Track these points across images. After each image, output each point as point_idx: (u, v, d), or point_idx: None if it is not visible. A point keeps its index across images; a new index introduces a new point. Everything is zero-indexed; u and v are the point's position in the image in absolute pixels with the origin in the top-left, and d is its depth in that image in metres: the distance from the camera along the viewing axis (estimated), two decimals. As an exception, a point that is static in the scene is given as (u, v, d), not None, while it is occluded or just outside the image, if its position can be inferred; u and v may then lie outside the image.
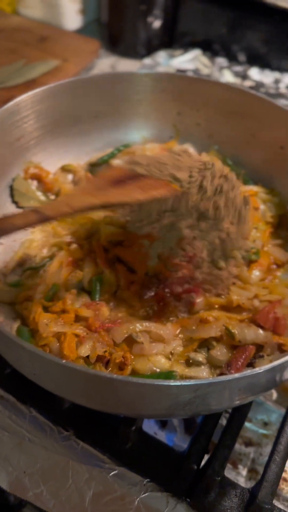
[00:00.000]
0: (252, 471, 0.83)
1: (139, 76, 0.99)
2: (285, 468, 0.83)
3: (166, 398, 0.55)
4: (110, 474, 0.74)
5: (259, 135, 1.01)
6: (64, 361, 0.53)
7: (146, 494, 0.72)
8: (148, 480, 0.73)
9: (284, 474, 0.82)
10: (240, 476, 0.82)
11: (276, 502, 0.78)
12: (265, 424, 0.88)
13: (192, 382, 0.52)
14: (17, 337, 0.56)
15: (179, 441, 0.83)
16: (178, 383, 0.52)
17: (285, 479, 0.82)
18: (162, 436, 0.84)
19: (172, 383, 0.52)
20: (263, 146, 1.02)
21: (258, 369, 0.54)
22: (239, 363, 0.74)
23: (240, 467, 0.83)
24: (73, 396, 0.60)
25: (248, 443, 0.86)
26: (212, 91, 1.01)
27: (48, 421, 0.78)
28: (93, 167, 1.07)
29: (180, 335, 0.82)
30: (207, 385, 0.52)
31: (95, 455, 0.75)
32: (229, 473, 0.81)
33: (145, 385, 0.52)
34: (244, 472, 0.83)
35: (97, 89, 0.99)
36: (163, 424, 0.86)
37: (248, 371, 0.54)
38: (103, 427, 0.76)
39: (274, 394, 0.92)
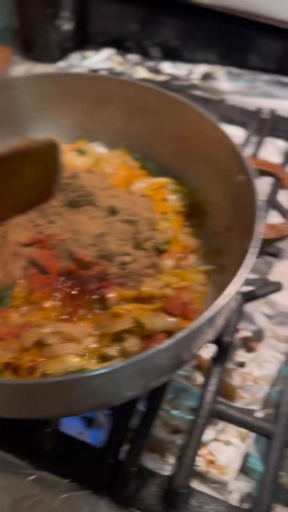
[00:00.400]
0: (180, 458, 0.84)
1: (31, 79, 0.99)
2: (212, 452, 0.85)
3: (56, 396, 0.55)
4: (29, 479, 0.73)
5: (163, 128, 1.03)
6: None
7: (66, 494, 0.72)
8: (69, 480, 0.73)
9: (210, 457, 0.84)
10: (167, 465, 0.82)
11: (203, 486, 0.80)
12: (192, 410, 0.89)
13: (72, 376, 0.52)
14: None
15: (105, 438, 0.83)
16: (57, 379, 0.52)
17: (212, 462, 0.83)
18: (87, 435, 0.84)
19: (45, 381, 0.52)
20: (168, 139, 1.03)
21: (140, 356, 0.55)
22: (149, 351, 0.75)
23: (168, 455, 0.84)
24: None
25: (176, 431, 0.87)
26: (112, 88, 1.01)
27: None
28: (2, 173, 1.05)
29: (95, 332, 0.82)
30: (90, 378, 0.53)
31: (12, 462, 0.74)
32: (156, 463, 0.81)
33: (22, 385, 0.52)
34: (172, 460, 0.83)
35: (-6, 96, 0.98)
36: (89, 423, 0.86)
37: (131, 359, 0.54)
38: (20, 432, 0.76)
39: (199, 378, 0.94)
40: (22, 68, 1.56)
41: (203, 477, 0.80)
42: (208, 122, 0.94)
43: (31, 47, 1.57)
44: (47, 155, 0.52)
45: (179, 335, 0.59)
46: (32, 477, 0.73)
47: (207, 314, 0.60)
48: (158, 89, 1.00)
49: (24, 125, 1.05)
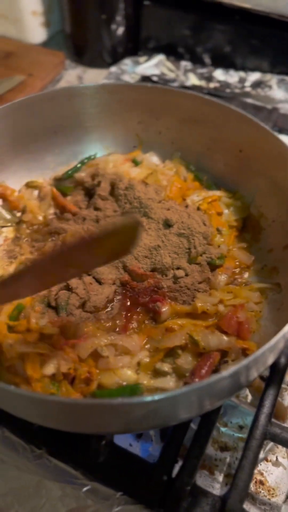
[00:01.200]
0: (228, 476, 0.83)
1: (93, 88, 1.00)
2: (261, 471, 0.84)
3: (118, 416, 0.56)
4: (83, 490, 0.74)
5: (218, 139, 1.02)
6: (12, 387, 0.54)
7: (119, 507, 0.73)
8: (121, 493, 0.74)
9: (260, 477, 0.83)
10: (216, 482, 0.82)
11: (252, 507, 0.79)
12: (241, 428, 0.89)
13: (138, 400, 0.53)
14: None
15: (155, 451, 0.84)
16: (124, 401, 0.53)
17: (262, 483, 0.83)
18: (137, 447, 0.84)
19: (119, 402, 0.52)
20: (223, 151, 1.02)
21: (207, 381, 0.55)
22: (203, 370, 0.75)
23: (217, 473, 0.83)
24: (29, 417, 0.60)
25: (224, 448, 0.87)
26: (168, 99, 1.01)
27: (20, 440, 0.79)
28: (58, 181, 1.07)
29: (147, 346, 0.82)
30: (154, 402, 0.53)
31: (67, 471, 0.76)
32: (205, 479, 0.81)
33: (91, 405, 0.53)
34: (220, 478, 0.83)
35: (54, 105, 0.99)
36: (138, 435, 0.87)
37: (196, 384, 0.54)
38: (75, 443, 0.77)
39: (249, 396, 0.93)
40: (73, 73, 1.57)
41: (252, 498, 0.80)
42: (266, 134, 0.92)
43: (83, 52, 1.59)
44: (131, 230, 0.59)
45: (244, 362, 0.59)
46: (86, 488, 0.74)
47: (273, 340, 0.59)
48: (214, 100, 0.99)
49: (81, 134, 1.06)
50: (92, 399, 0.68)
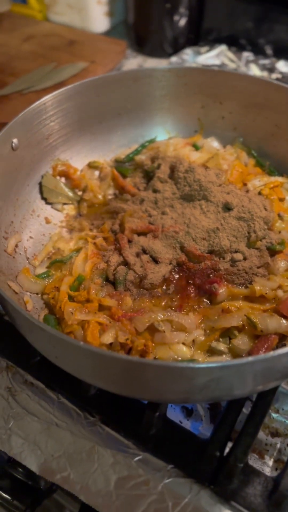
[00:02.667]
0: (278, 461, 0.82)
1: (161, 71, 1.01)
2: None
3: (182, 381, 0.56)
4: (135, 459, 0.75)
5: (283, 125, 1.01)
6: (81, 342, 0.55)
7: (170, 479, 0.73)
8: (172, 466, 0.74)
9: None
10: (266, 466, 0.81)
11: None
12: (293, 415, 0.87)
13: (204, 364, 0.53)
14: (38, 320, 0.58)
15: (204, 430, 0.84)
16: (192, 365, 0.53)
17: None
18: (187, 425, 0.85)
19: (186, 365, 0.53)
20: (286, 136, 1.01)
21: (272, 353, 0.54)
22: (261, 352, 0.74)
23: (267, 457, 0.82)
24: (91, 377, 0.62)
25: (275, 434, 0.85)
26: (234, 83, 1.01)
27: (75, 406, 0.81)
28: (118, 163, 1.09)
29: (202, 325, 0.82)
30: (219, 368, 0.53)
31: (120, 440, 0.77)
32: (255, 463, 0.80)
33: (160, 367, 0.54)
34: (270, 462, 0.82)
35: (120, 87, 1.01)
36: (188, 413, 0.87)
37: (261, 355, 0.54)
38: (128, 413, 0.78)
39: (302, 386, 0.91)
40: (134, 62, 1.60)
41: (303, 486, 0.78)
42: None
43: (144, 41, 1.61)
44: None
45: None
46: (137, 458, 0.75)
47: None
48: (282, 85, 0.98)
49: (144, 116, 1.08)
50: (159, 361, 0.68)
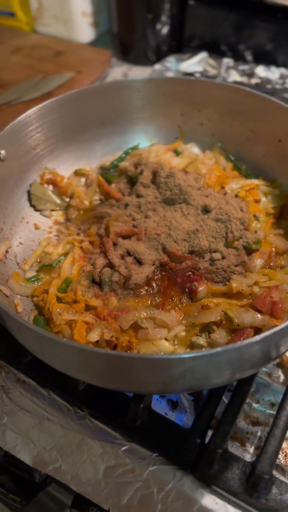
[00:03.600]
0: (258, 448, 0.87)
1: (141, 82, 1.06)
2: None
3: (159, 372, 0.61)
4: (122, 449, 0.80)
5: (258, 130, 1.06)
6: (64, 339, 0.60)
7: (155, 467, 0.78)
8: (157, 454, 0.79)
9: (290, 451, 0.86)
10: (247, 453, 0.86)
11: (282, 477, 0.82)
12: (272, 405, 0.92)
13: (178, 355, 0.58)
14: (25, 320, 0.63)
15: (188, 421, 0.89)
16: (166, 356, 0.58)
17: (291, 456, 0.86)
18: (172, 416, 0.89)
19: (161, 356, 0.58)
20: (262, 141, 1.06)
21: (240, 343, 0.59)
22: (237, 344, 0.79)
23: (248, 445, 0.87)
24: (76, 372, 0.66)
25: (256, 423, 0.90)
26: (210, 91, 1.06)
27: (65, 402, 0.86)
28: (103, 170, 1.14)
29: (183, 321, 0.87)
30: (191, 358, 0.58)
31: (107, 432, 0.82)
32: (236, 450, 0.85)
33: (138, 359, 0.59)
34: (251, 449, 0.87)
35: (103, 98, 1.07)
36: (174, 405, 0.92)
37: (229, 345, 0.59)
38: (115, 406, 0.83)
39: (282, 376, 0.96)
40: (119, 71, 1.65)
41: (282, 470, 0.83)
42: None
43: (129, 50, 1.66)
44: None
45: (273, 330, 0.63)
46: (124, 448, 0.80)
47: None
48: (255, 92, 1.04)
49: (126, 125, 1.13)
50: (137, 354, 0.73)
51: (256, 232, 0.98)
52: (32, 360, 0.89)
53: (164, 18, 1.56)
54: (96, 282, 0.92)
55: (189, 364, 0.60)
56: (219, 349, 0.59)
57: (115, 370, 0.63)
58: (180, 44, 1.65)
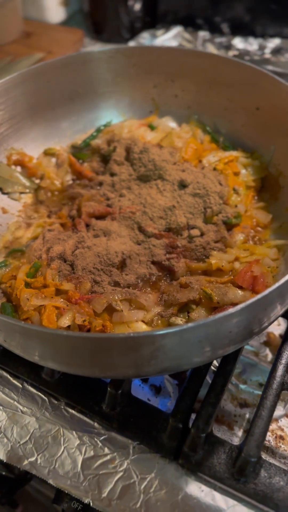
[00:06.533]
0: (247, 431, 0.83)
1: (108, 52, 1.00)
2: (282, 427, 0.83)
3: (127, 353, 0.56)
4: (100, 439, 0.75)
5: (235, 99, 1.01)
6: (22, 322, 0.55)
7: (135, 456, 0.74)
8: (137, 442, 0.75)
9: (280, 433, 0.82)
10: (235, 437, 0.82)
11: (272, 460, 0.78)
12: (260, 385, 0.88)
13: (143, 333, 0.53)
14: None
15: (172, 406, 0.84)
16: (133, 335, 0.53)
17: (282, 438, 0.82)
18: (156, 402, 0.85)
19: (128, 335, 0.53)
20: (240, 110, 1.01)
21: (212, 317, 0.54)
22: (217, 321, 0.74)
23: (236, 428, 0.83)
24: (40, 358, 0.61)
25: (244, 405, 0.86)
26: (183, 60, 1.01)
27: (39, 392, 0.81)
28: (75, 149, 1.09)
29: (161, 302, 0.82)
30: (161, 336, 0.53)
31: (84, 421, 0.77)
32: (224, 434, 0.81)
33: (101, 339, 0.53)
34: (239, 433, 0.83)
35: (69, 71, 1.01)
36: (157, 390, 0.87)
37: (201, 320, 0.54)
38: (92, 394, 0.78)
39: (269, 355, 0.92)
40: (92, 49, 1.58)
41: (272, 452, 0.79)
42: (284, 88, 0.90)
43: (102, 29, 1.60)
44: None
45: (249, 301, 0.58)
46: (103, 437, 0.75)
47: (278, 284, 0.58)
48: (230, 58, 0.98)
49: (97, 100, 1.07)
50: (99, 334, 0.68)
51: (236, 206, 0.93)
52: (3, 350, 0.84)
53: (136, -7, 1.49)
54: (68, 263, 0.86)
55: (159, 342, 0.56)
56: (190, 324, 0.54)
57: (82, 354, 0.58)
58: (154, 20, 1.59)
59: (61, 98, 1.04)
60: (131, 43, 1.50)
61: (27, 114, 1.01)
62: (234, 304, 0.78)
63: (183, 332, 0.54)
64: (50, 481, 0.74)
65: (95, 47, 1.59)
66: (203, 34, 1.49)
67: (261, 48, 1.42)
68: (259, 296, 0.58)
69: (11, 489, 0.89)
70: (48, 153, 1.06)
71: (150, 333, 0.53)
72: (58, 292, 0.81)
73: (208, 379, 0.82)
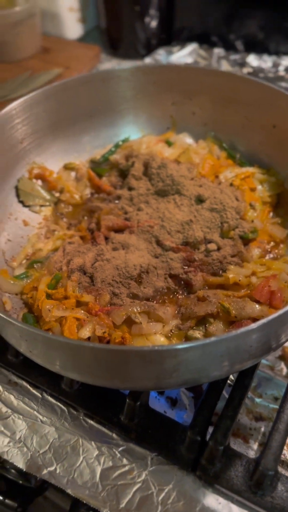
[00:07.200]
0: (263, 444, 0.83)
1: (129, 71, 1.03)
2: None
3: (150, 365, 0.58)
4: (119, 450, 0.77)
5: (252, 117, 1.03)
6: (50, 333, 0.57)
7: (154, 467, 0.75)
8: (155, 454, 0.76)
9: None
10: (250, 450, 0.82)
11: (287, 473, 0.79)
12: (276, 399, 0.89)
13: (168, 347, 0.54)
14: (8, 315, 0.60)
15: (189, 419, 0.85)
16: (157, 348, 0.54)
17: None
18: (172, 414, 0.86)
19: (152, 348, 0.54)
20: (257, 128, 1.03)
21: (234, 332, 0.56)
22: (235, 335, 0.76)
23: (251, 441, 0.84)
24: (63, 369, 0.63)
25: (259, 418, 0.87)
26: (202, 79, 1.03)
27: (59, 403, 0.83)
28: (94, 164, 1.11)
29: (179, 315, 0.84)
30: (184, 349, 0.55)
31: (103, 432, 0.79)
32: (240, 447, 0.82)
33: (126, 352, 0.55)
34: (255, 446, 0.83)
35: (90, 88, 1.04)
36: (173, 403, 0.88)
37: (224, 335, 0.55)
38: (111, 405, 0.80)
39: (284, 370, 0.93)
40: (109, 65, 1.62)
41: (287, 466, 0.80)
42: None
43: (118, 45, 1.63)
44: None
45: (271, 317, 0.59)
46: (121, 448, 0.77)
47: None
48: (249, 78, 1.01)
49: (116, 116, 1.10)
50: (124, 346, 0.70)
51: (252, 221, 0.95)
52: (24, 360, 0.86)
53: (152, 11, 1.53)
54: (88, 275, 0.88)
55: (182, 355, 0.57)
56: (213, 338, 0.56)
57: (105, 365, 0.59)
58: (170, 37, 1.63)
59: (82, 114, 1.07)
60: (147, 60, 1.54)
61: (49, 130, 1.04)
62: (251, 318, 0.80)
63: (205, 346, 0.55)
64: (69, 491, 0.75)
65: (112, 63, 1.63)
66: (218, 51, 1.52)
67: (275, 65, 1.44)
68: (280, 312, 0.59)
69: (27, 498, 0.90)
70: (68, 168, 1.09)
71: (174, 346, 0.55)
72: (78, 303, 0.83)
73: (224, 393, 0.83)
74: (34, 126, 1.01)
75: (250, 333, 0.57)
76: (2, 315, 0.61)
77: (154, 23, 1.57)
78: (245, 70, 1.43)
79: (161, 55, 1.53)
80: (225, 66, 1.46)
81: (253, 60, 1.46)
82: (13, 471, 0.85)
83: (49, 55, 1.57)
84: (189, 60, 1.50)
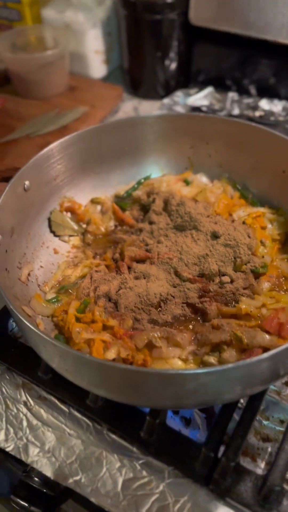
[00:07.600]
0: (269, 463, 0.91)
1: (153, 118, 1.15)
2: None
3: (174, 386, 0.67)
4: (139, 463, 0.85)
5: (263, 161, 1.13)
6: (87, 355, 0.66)
7: (170, 480, 0.83)
8: (172, 468, 0.84)
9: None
10: (258, 468, 0.89)
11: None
12: (282, 422, 0.96)
13: (192, 371, 0.63)
14: (51, 337, 0.69)
15: (201, 437, 0.93)
16: (181, 372, 0.63)
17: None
18: (186, 433, 0.93)
19: (176, 372, 0.63)
20: (267, 171, 1.13)
21: (249, 360, 0.65)
22: (247, 362, 0.84)
23: (259, 460, 0.91)
24: (96, 387, 0.71)
25: (266, 439, 0.94)
26: (217, 126, 1.14)
27: (84, 417, 0.91)
28: (118, 198, 1.22)
29: (195, 341, 0.93)
30: (204, 373, 0.63)
31: (124, 446, 0.87)
32: (248, 465, 0.89)
33: (154, 374, 0.64)
34: (262, 464, 0.90)
35: (118, 132, 1.15)
36: (187, 422, 0.96)
37: (240, 362, 0.64)
38: (132, 421, 0.88)
39: (290, 395, 1.00)
40: (130, 105, 1.74)
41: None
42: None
43: (139, 85, 1.76)
44: None
45: (281, 348, 0.68)
46: (141, 461, 0.84)
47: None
48: (258, 126, 1.11)
49: (139, 157, 1.21)
50: (151, 369, 0.79)
51: (263, 257, 1.04)
52: (53, 377, 0.95)
53: (172, 55, 1.66)
54: (113, 302, 0.97)
55: (202, 379, 0.66)
56: (230, 365, 0.64)
57: (134, 385, 0.68)
58: (188, 79, 1.75)
59: (109, 154, 1.18)
60: (166, 100, 1.66)
61: (79, 168, 1.15)
62: (261, 347, 0.88)
63: (224, 371, 0.64)
64: (92, 499, 0.83)
65: (133, 102, 1.75)
66: (232, 94, 1.64)
67: (285, 109, 1.56)
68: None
69: (50, 507, 0.97)
70: (94, 201, 1.19)
71: (196, 370, 0.64)
72: (104, 327, 0.92)
73: (235, 415, 0.91)
74: (67, 165, 1.12)
75: (262, 361, 0.66)
76: (42, 334, 0.71)
77: (173, 66, 1.70)
78: (257, 113, 1.55)
79: (179, 97, 1.65)
80: (237, 110, 1.58)
81: (265, 104, 1.58)
82: (36, 479, 0.93)
83: (75, 93, 1.70)
84: (205, 102, 1.62)
